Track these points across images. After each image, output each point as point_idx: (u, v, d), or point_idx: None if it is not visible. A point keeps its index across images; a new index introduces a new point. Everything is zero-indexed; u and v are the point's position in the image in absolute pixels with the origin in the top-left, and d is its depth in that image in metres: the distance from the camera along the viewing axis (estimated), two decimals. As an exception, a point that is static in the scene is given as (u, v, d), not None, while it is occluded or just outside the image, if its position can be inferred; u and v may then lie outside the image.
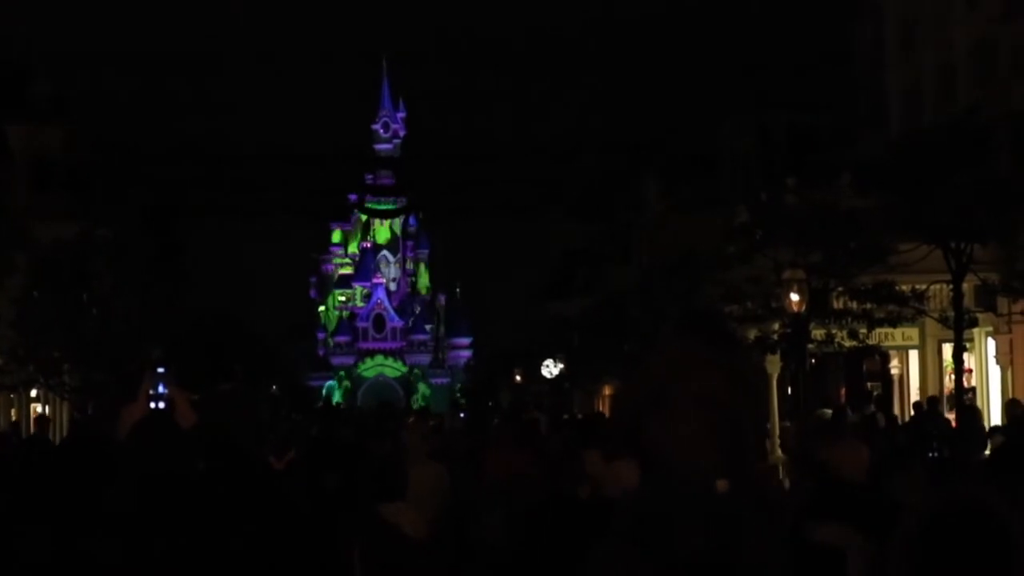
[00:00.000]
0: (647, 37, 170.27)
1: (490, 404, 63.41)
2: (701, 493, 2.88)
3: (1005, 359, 29.06)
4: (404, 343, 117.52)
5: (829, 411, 28.05)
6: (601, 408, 47.81)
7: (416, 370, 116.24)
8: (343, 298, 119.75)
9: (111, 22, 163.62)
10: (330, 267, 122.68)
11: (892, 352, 32.85)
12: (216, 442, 5.72)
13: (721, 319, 5.58)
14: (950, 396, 29.00)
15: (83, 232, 35.92)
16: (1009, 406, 23.13)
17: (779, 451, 24.40)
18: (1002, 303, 27.20)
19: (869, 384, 35.27)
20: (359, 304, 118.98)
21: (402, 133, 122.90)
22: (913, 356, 32.46)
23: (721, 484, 3.00)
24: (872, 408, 29.16)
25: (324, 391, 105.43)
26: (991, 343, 29.79)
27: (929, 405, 26.58)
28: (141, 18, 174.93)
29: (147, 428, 4.91)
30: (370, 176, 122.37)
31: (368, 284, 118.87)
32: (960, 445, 21.61)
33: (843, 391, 35.28)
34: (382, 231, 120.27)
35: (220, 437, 5.91)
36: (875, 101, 43.63)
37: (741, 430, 3.96)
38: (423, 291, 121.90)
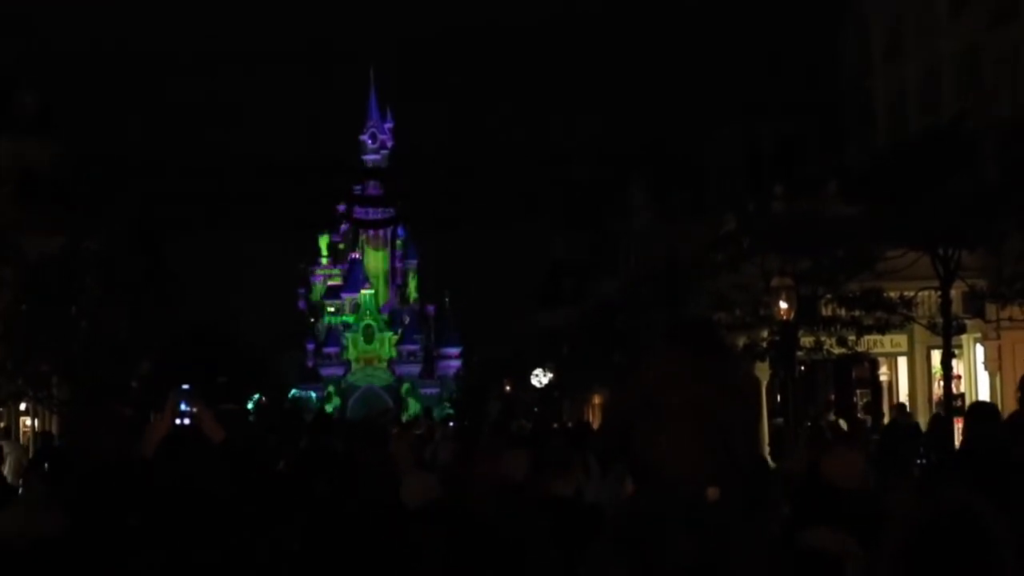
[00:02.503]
0: (634, 47, 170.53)
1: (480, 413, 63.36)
2: (691, 501, 2.88)
3: (994, 365, 29.11)
4: (393, 354, 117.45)
5: (780, 420, 28.33)
6: (591, 417, 47.82)
7: (405, 380, 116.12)
8: (332, 309, 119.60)
9: (97, 37, 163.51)
10: (319, 278, 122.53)
11: (881, 359, 32.88)
12: (241, 457, 5.71)
13: (713, 328, 5.58)
14: (939, 402, 29.07)
15: (70, 245, 35.83)
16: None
17: (769, 459, 24.39)
18: (990, 309, 27.25)
19: (859, 391, 35.31)
20: (348, 314, 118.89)
21: (389, 144, 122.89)
22: (902, 363, 32.50)
23: (712, 492, 3.01)
24: (832, 416, 29.36)
25: (305, 401, 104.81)
26: (979, 349, 29.84)
27: (898, 412, 26.77)
28: (126, 32, 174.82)
29: (177, 444, 4.84)
30: (358, 187, 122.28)
31: (357, 295, 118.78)
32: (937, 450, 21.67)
33: (832, 398, 35.31)
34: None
35: (244, 452, 5.91)
36: (861, 109, 43.72)
37: (732, 439, 3.95)
38: (412, 301, 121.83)
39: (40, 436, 23.20)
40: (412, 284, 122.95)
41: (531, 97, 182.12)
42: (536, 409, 54.36)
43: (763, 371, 28.60)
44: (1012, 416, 10.73)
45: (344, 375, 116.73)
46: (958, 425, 23.61)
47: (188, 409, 6.16)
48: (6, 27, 70.44)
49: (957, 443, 21.87)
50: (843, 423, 27.57)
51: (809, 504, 6.61)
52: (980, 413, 9.61)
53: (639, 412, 3.54)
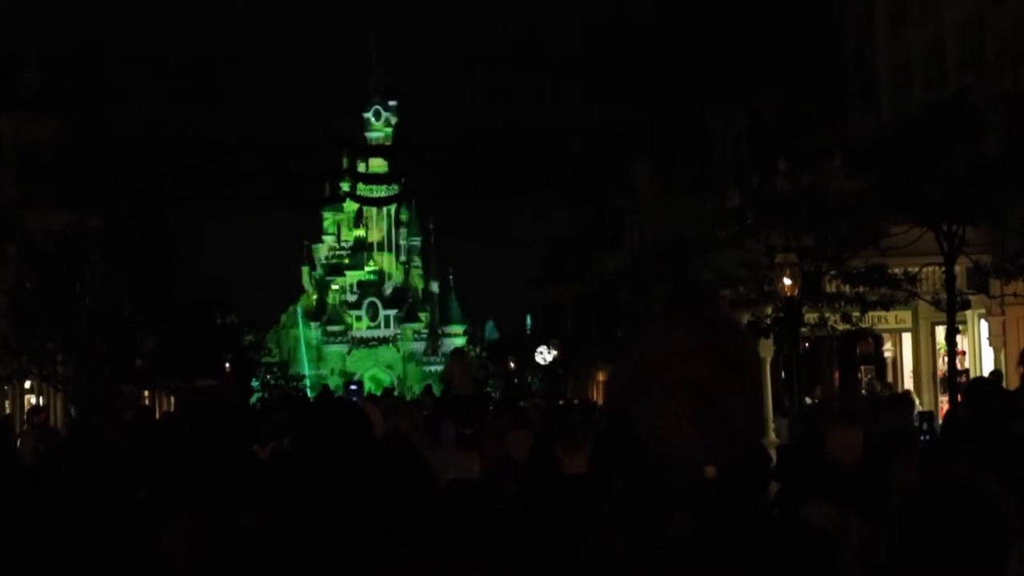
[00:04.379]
0: (638, 23, 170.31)
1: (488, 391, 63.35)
2: (688, 479, 2.86)
3: (998, 340, 29.07)
4: (398, 331, 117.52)
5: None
6: (595, 394, 47.88)
7: (410, 358, 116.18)
8: (336, 286, 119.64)
9: (98, 8, 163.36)
10: (323, 256, 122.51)
11: (885, 335, 32.87)
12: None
13: (712, 298, 5.55)
14: (943, 378, 29.07)
15: (74, 222, 35.86)
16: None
17: (772, 435, 24.45)
18: (994, 285, 27.20)
19: (863, 367, 35.32)
20: (352, 292, 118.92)
21: (394, 120, 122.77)
22: (906, 339, 32.50)
23: (710, 470, 2.98)
24: (808, 399, 29.51)
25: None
26: (984, 325, 29.81)
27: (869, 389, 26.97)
28: (129, 5, 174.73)
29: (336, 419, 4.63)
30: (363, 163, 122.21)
31: (360, 272, 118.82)
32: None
33: (836, 375, 35.32)
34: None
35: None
36: (864, 82, 43.59)
37: (731, 415, 3.92)
38: (416, 278, 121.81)
39: (28, 416, 23.03)
40: (416, 261, 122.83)
41: (535, 74, 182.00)
42: (524, 387, 54.41)
43: (767, 348, 28.59)
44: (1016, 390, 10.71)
45: (348, 353, 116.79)
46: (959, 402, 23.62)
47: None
48: (6, 6, 70.28)
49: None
50: (808, 400, 27.86)
51: (809, 479, 6.61)
52: (980, 388, 9.60)
53: (636, 389, 3.51)
